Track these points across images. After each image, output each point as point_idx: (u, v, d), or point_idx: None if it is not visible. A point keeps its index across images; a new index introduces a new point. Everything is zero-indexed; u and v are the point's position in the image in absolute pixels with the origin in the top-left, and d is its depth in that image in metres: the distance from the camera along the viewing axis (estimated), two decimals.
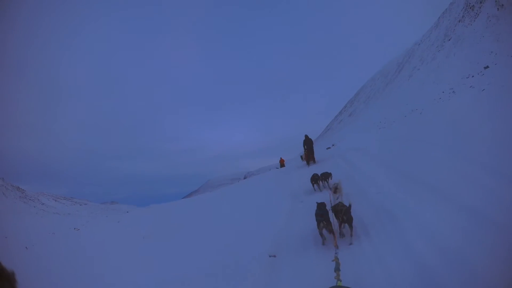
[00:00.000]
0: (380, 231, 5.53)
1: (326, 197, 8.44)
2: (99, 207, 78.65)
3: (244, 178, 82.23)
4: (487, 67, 18.57)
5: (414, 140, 10.81)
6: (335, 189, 7.90)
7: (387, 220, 5.81)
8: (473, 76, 18.60)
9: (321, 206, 6.29)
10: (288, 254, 5.93)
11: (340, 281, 3.75)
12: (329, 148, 21.43)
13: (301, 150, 17.61)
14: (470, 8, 30.40)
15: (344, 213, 5.79)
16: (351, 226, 5.77)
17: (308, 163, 16.30)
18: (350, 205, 5.98)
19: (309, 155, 16.34)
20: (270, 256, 5.65)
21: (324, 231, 5.89)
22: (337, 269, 4.09)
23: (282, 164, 25.67)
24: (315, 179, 10.51)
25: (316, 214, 6.03)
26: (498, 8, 25.30)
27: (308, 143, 16.30)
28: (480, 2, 28.65)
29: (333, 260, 4.40)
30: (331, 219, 6.06)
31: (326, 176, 10.41)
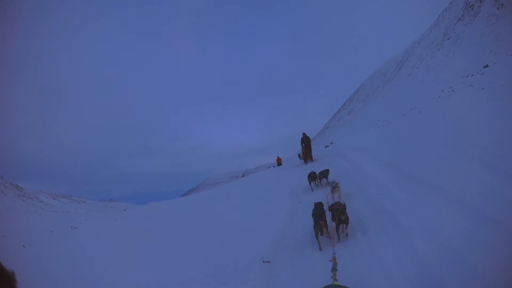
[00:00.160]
0: (380, 230, 5.51)
1: (324, 195, 8.44)
2: (98, 205, 78.61)
3: (243, 176, 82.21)
4: (487, 66, 18.57)
5: (413, 138, 10.80)
6: (333, 189, 7.90)
7: (387, 219, 5.78)
8: (472, 75, 18.60)
9: (318, 206, 6.27)
10: (287, 254, 5.91)
11: (336, 281, 3.75)
12: (328, 146, 21.43)
13: (298, 148, 17.62)
14: (470, 7, 30.40)
15: (340, 213, 5.78)
16: (347, 225, 5.77)
17: (305, 161, 16.32)
18: (344, 205, 5.97)
19: (306, 153, 16.36)
20: (264, 262, 5.52)
21: (320, 235, 5.84)
22: (334, 269, 4.08)
23: (279, 162, 25.69)
24: (312, 177, 10.51)
25: (313, 214, 6.00)
26: (498, 8, 25.29)
27: (305, 141, 16.30)
28: (480, 1, 28.64)
29: (330, 260, 4.39)
30: (328, 219, 6.04)
31: (324, 173, 10.40)
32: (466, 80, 18.39)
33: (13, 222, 25.94)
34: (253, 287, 5.02)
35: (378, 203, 6.69)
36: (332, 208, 6.06)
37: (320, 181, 10.53)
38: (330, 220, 6.09)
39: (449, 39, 31.29)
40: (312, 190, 10.34)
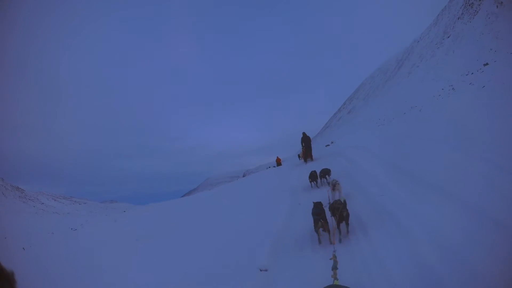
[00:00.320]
0: (380, 229, 5.50)
1: (324, 194, 8.42)
2: (99, 206, 78.65)
3: (243, 176, 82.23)
4: (487, 64, 18.53)
5: (414, 137, 10.78)
6: (334, 187, 7.89)
7: (387, 218, 5.77)
8: (472, 73, 18.56)
9: (317, 205, 6.29)
10: (286, 253, 5.90)
11: (337, 280, 3.73)
12: (328, 145, 21.41)
13: (299, 148, 17.62)
14: (469, 5, 30.35)
15: (340, 211, 5.78)
16: (347, 223, 5.76)
17: (305, 161, 16.32)
18: (345, 202, 5.96)
19: (306, 153, 16.35)
20: (261, 271, 5.44)
21: (321, 230, 5.87)
22: (334, 267, 4.07)
23: (278, 163, 25.73)
24: (313, 176, 10.48)
25: (313, 213, 6.02)
26: (497, 6, 25.25)
27: (306, 140, 16.30)
28: (479, 0, 28.61)
29: (331, 259, 4.38)
30: (328, 217, 6.05)
31: (325, 172, 10.38)
32: (466, 79, 18.34)
33: (14, 224, 25.98)
34: (253, 286, 5.01)
35: (378, 202, 6.67)
36: (333, 207, 6.05)
37: (321, 180, 10.52)
38: (330, 218, 6.10)
39: (448, 37, 31.24)
40: (312, 188, 10.35)
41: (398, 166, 8.40)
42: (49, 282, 7.11)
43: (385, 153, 10.45)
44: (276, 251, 6.10)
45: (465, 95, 14.25)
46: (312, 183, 10.50)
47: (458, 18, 31.89)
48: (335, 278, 3.78)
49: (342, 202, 5.98)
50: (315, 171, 10.54)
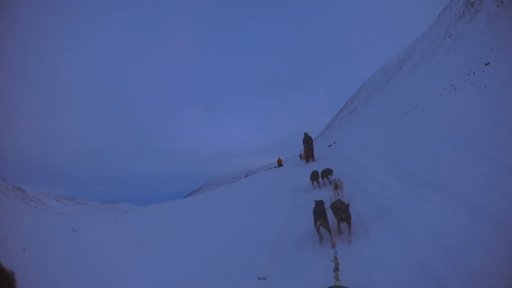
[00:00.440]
0: (381, 229, 5.48)
1: (326, 194, 8.40)
2: (101, 206, 78.84)
3: (246, 176, 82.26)
4: (488, 63, 18.47)
5: (416, 137, 10.74)
6: (336, 186, 7.88)
7: (388, 218, 5.75)
8: (474, 73, 18.49)
9: (319, 204, 6.28)
10: (287, 254, 5.89)
11: (339, 281, 3.73)
12: (330, 146, 21.39)
13: (300, 148, 17.60)
14: (470, 5, 30.27)
15: (342, 211, 5.75)
16: (349, 224, 5.74)
17: (307, 161, 16.30)
18: (348, 204, 5.95)
19: (308, 153, 16.34)
20: (260, 279, 5.34)
21: (322, 229, 5.86)
22: (336, 269, 4.06)
23: (280, 164, 25.75)
24: (314, 176, 10.46)
25: (314, 212, 6.01)
26: (498, 5, 25.18)
27: (307, 141, 16.30)
28: None
29: (332, 260, 4.36)
30: (329, 217, 6.03)
31: (327, 172, 10.35)
32: (467, 78, 18.28)
33: (15, 225, 26.03)
34: (254, 286, 5.00)
35: (379, 202, 6.65)
36: (334, 206, 6.04)
37: (323, 180, 10.49)
38: (332, 218, 6.08)
39: (450, 37, 31.16)
40: (314, 188, 10.33)
41: (399, 166, 8.37)
42: (50, 283, 7.12)
43: (387, 153, 10.42)
44: (277, 251, 6.08)
45: (466, 95, 14.19)
46: (313, 183, 10.47)
47: (459, 18, 31.81)
48: (337, 279, 3.77)
49: (346, 203, 5.97)
50: (316, 171, 10.51)
